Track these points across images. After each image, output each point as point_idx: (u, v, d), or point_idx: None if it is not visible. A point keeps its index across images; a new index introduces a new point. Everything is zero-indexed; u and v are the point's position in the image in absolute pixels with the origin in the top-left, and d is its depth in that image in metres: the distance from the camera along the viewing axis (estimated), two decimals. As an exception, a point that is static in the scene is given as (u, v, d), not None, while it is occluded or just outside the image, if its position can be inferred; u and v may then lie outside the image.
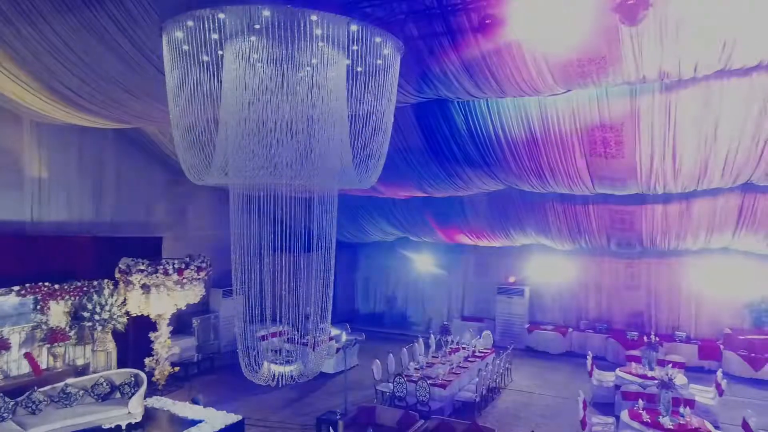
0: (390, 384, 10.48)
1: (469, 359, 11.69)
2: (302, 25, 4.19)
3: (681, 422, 8.15)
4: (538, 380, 12.33)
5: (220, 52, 4.96)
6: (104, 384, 8.89)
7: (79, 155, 11.77)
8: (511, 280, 15.73)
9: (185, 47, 5.00)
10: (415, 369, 10.78)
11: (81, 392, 8.64)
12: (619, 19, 4.72)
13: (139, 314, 10.76)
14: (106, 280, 10.51)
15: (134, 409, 8.54)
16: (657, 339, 11.46)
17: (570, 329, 14.62)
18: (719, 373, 10.33)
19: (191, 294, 11.24)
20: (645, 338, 11.51)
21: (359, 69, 4.81)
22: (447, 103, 8.90)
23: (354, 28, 4.44)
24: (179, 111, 5.47)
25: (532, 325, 15.03)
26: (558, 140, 8.78)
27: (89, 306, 9.87)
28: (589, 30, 5.53)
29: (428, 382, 9.72)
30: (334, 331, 13.09)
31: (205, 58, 5.11)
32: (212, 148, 5.53)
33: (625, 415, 8.56)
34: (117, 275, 10.63)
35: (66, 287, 9.83)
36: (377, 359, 11.02)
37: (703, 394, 9.90)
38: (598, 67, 6.19)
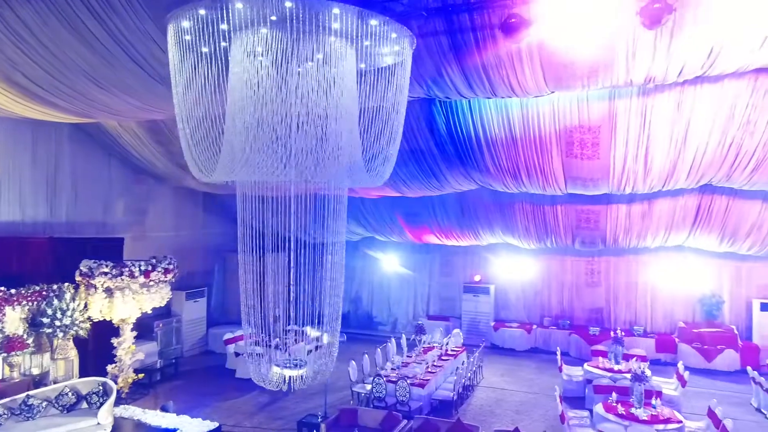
0: (366, 385, 10.41)
1: (443, 358, 11.77)
2: (320, 17, 4.06)
3: (653, 413, 8.51)
4: (508, 377, 12.57)
5: (223, 44, 4.74)
6: (69, 394, 8.38)
7: (32, 151, 11.04)
8: (477, 278, 15.98)
9: (187, 38, 4.75)
10: (392, 369, 10.75)
11: (44, 404, 8.10)
12: (642, 22, 4.85)
13: (101, 319, 10.20)
14: (66, 284, 9.89)
15: (104, 419, 8.09)
16: (623, 334, 11.91)
17: (534, 326, 15.00)
18: (680, 365, 10.86)
19: (158, 297, 10.77)
20: (611, 333, 11.94)
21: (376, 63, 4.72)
22: (429, 102, 8.93)
23: (374, 22, 4.35)
24: (186, 105, 5.19)
25: (497, 322, 15.31)
26: (537, 141, 8.98)
27: (49, 311, 9.26)
28: (589, 33, 5.67)
29: (408, 381, 9.70)
30: (314, 333, 12.86)
31: (205, 50, 4.88)
32: (220, 144, 5.28)
33: (600, 408, 8.84)
34: (78, 278, 10.04)
35: (23, 292, 9.19)
36: (352, 360, 10.92)
37: (666, 385, 10.36)
38: (591, 71, 6.37)
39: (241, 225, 6.39)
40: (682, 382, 10.25)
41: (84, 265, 10.00)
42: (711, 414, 8.57)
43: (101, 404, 8.28)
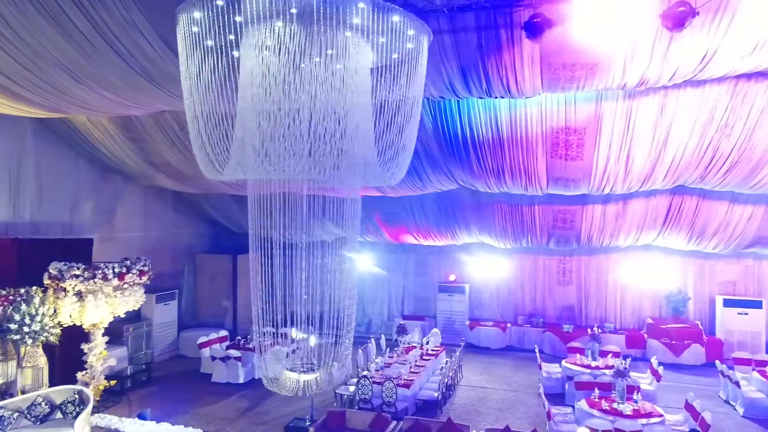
0: (350, 386, 10.30)
1: (424, 357, 11.78)
2: (339, 11, 3.94)
3: (635, 407, 8.75)
4: (486, 375, 12.69)
5: (230, 37, 4.55)
6: (43, 404, 7.93)
7: (-8, 147, 10.41)
8: (452, 278, 16.08)
9: (195, 29, 4.53)
10: (376, 370, 10.67)
11: (15, 414, 7.65)
12: (665, 24, 4.93)
13: (70, 324, 9.70)
14: (34, 288, 9.36)
15: (80, 430, 7.68)
16: (599, 331, 12.21)
17: (509, 324, 15.21)
18: (654, 360, 11.22)
19: (132, 300, 10.33)
20: (588, 330, 12.20)
21: (394, 56, 4.62)
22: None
23: (396, 18, 4.26)
24: (195, 101, 4.95)
25: (472, 321, 15.44)
26: (524, 142, 9.09)
27: (17, 317, 8.73)
28: (594, 35, 5.75)
29: (394, 382, 9.65)
30: (300, 335, 12.61)
31: (209, 43, 4.68)
32: (229, 141, 5.08)
33: (583, 404, 9.01)
34: (47, 281, 9.51)
35: (-12, 296, 8.63)
36: (334, 362, 10.77)
37: (642, 380, 10.68)
38: (588, 73, 6.48)
39: (253, 225, 6.17)
40: (657, 377, 10.58)
41: (53, 268, 9.49)
42: (688, 407, 8.88)
43: (77, 414, 7.87)
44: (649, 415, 8.57)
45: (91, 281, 9.53)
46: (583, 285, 15.12)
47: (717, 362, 11.37)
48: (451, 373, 11.15)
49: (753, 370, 11.08)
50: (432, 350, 12.38)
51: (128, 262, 10.20)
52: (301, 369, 6.57)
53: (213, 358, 12.15)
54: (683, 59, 6.21)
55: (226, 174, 5.16)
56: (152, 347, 13.35)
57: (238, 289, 15.84)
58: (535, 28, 5.23)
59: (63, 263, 9.52)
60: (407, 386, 9.94)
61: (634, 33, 5.66)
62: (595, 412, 8.69)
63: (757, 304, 13.32)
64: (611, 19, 5.54)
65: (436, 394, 10.14)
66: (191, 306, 15.94)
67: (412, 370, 10.80)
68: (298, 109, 4.31)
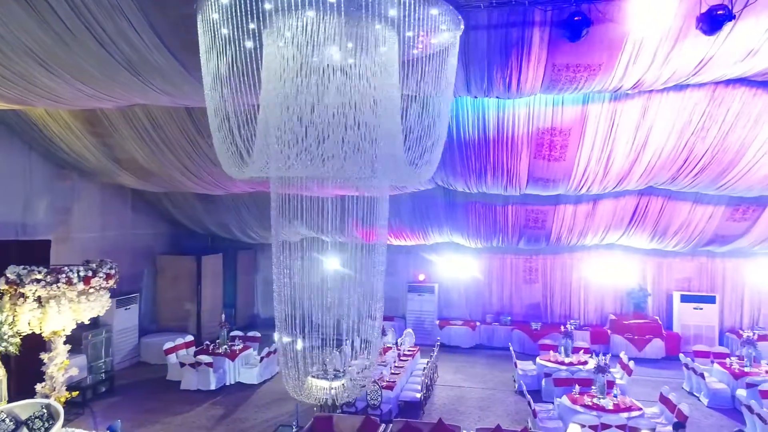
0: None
1: (402, 358, 11.70)
2: (380, 3, 3.77)
3: (615, 402, 9.00)
4: (461, 374, 12.76)
5: (252, 27, 4.26)
6: (7, 420, 7.27)
7: (-64, 140, 9.51)
8: (421, 278, 16.09)
9: (215, 16, 4.22)
10: (357, 372, 10.47)
11: (-24, 434, 6.97)
12: (700, 27, 5.00)
13: (29, 333, 8.97)
14: (-9, 294, 8.60)
15: (52, 447, 7.11)
16: (573, 328, 12.51)
17: (478, 323, 15.37)
18: (623, 355, 11.60)
19: (97, 306, 9.68)
20: (562, 328, 12.47)
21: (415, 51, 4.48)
22: (404, 100, 8.78)
23: (434, 12, 4.13)
24: (219, 95, 4.61)
25: (442, 320, 15.51)
26: (509, 142, 9.16)
27: (-28, 326, 7.99)
28: (603, 36, 5.82)
29: (378, 384, 9.51)
30: (286, 339, 12.20)
31: (248, 43, 4.35)
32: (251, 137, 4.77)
33: (566, 401, 9.18)
34: (3, 287, 8.75)
35: (-61, 304, 7.85)
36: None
37: (615, 375, 11.02)
38: (589, 75, 6.57)
39: (276, 222, 5.86)
40: (628, 371, 10.94)
41: (11, 272, 8.73)
42: (664, 400, 9.22)
43: (47, 430, 7.28)
44: (629, 409, 8.82)
45: (54, 286, 8.86)
46: (549, 283, 15.50)
47: (681, 355, 11.90)
48: (430, 373, 11.13)
49: (712, 362, 11.68)
50: (408, 351, 12.32)
51: (94, 265, 9.56)
52: (330, 376, 6.31)
53: (182, 365, 11.59)
54: (682, 63, 6.41)
55: (253, 171, 4.86)
56: (112, 355, 12.58)
57: (203, 292, 15.22)
58: (574, 27, 5.22)
59: (22, 267, 8.79)
60: (390, 388, 9.84)
61: (643, 33, 5.75)
62: (578, 408, 8.87)
63: (711, 300, 14.08)
64: (634, 18, 5.61)
65: (418, 395, 10.08)
66: (151, 310, 15.18)
67: (393, 371, 10.70)
68: (336, 105, 4.10)
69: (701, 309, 14.06)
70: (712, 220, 11.96)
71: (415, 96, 4.90)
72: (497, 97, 7.72)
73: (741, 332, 13.52)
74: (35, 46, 6.32)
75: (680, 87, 7.87)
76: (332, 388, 6.05)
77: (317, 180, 5.84)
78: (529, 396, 9.28)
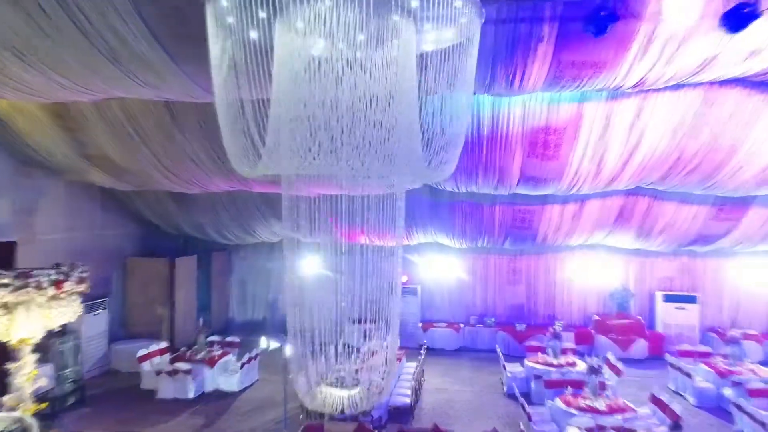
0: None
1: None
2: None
3: (608, 403, 8.90)
4: (448, 377, 12.54)
5: (263, 15, 3.90)
6: (-28, 438, 6.69)
7: None
8: (404, 279, 15.81)
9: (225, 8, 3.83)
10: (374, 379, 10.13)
11: (-64, 453, 6.38)
12: (724, 24, 4.83)
13: (-6, 341, 8.35)
14: (-49, 300, 7.93)
15: (22, 465, 6.57)
16: (560, 329, 12.41)
17: (462, 325, 15.19)
18: (610, 356, 11.57)
19: (69, 312, 9.06)
20: (549, 329, 12.34)
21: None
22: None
23: (458, 4, 3.85)
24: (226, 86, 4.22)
25: (425, 323, 15.28)
26: (503, 141, 8.97)
27: (-69, 335, 7.35)
28: (615, 33, 5.65)
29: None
30: (273, 344, 11.75)
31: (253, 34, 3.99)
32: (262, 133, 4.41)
33: (558, 403, 9.03)
34: (-34, 292, 8.10)
35: None
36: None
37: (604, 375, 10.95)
38: (594, 72, 6.41)
39: (288, 222, 5.49)
40: (617, 372, 10.90)
41: (-26, 276, 8.10)
42: (655, 400, 9.17)
43: (17, 446, 6.72)
44: (623, 410, 8.73)
45: (23, 291, 8.25)
46: (532, 284, 15.43)
47: (667, 355, 11.94)
48: (419, 377, 10.87)
49: (695, 362, 11.74)
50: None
51: (65, 269, 8.96)
52: (346, 384, 5.96)
53: (158, 373, 11.03)
54: (685, 63, 6.31)
55: (267, 168, 4.49)
56: (81, 363, 11.90)
57: (176, 295, 14.59)
58: (600, 22, 5.02)
59: (-13, 271, 8.16)
60: (380, 393, 9.50)
61: (669, 30, 5.62)
62: (572, 410, 8.73)
63: (692, 299, 14.23)
64: (661, 13, 5.46)
65: (408, 400, 9.81)
66: (121, 315, 14.48)
67: (382, 376, 10.37)
68: (352, 99, 3.79)
69: (684, 309, 14.19)
70: (695, 220, 12.04)
71: (434, 91, 4.64)
72: (498, 95, 7.51)
73: (722, 331, 13.70)
74: (13, 35, 5.83)
75: (676, 86, 7.80)
76: (349, 397, 5.72)
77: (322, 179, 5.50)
78: (522, 399, 9.10)
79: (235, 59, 4.14)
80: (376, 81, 3.92)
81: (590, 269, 14.99)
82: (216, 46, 4.35)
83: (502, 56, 6.22)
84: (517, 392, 9.39)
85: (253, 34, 3.99)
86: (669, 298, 14.30)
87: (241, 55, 4.08)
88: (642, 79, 6.75)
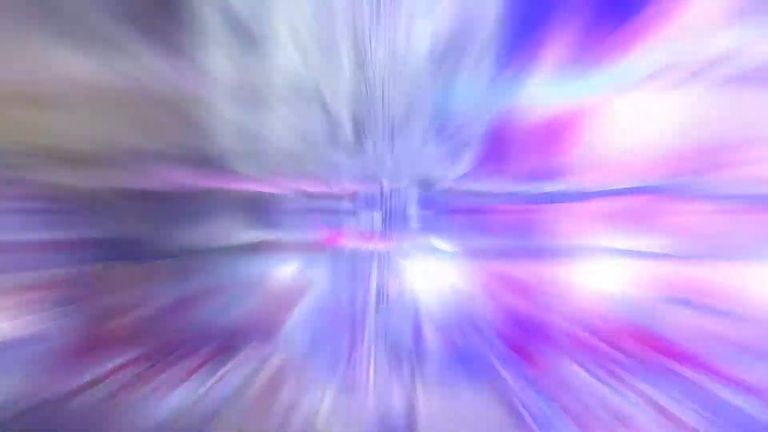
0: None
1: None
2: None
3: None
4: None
5: None
6: None
7: None
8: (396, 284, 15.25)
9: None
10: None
11: None
12: None
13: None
14: None
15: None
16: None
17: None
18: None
19: None
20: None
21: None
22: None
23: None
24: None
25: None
26: (507, 134, 8.43)
27: None
28: (645, 15, 5.14)
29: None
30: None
31: None
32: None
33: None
34: None
35: None
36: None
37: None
38: (612, 59, 5.89)
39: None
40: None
41: None
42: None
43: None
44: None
45: None
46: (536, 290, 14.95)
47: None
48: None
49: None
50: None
51: None
52: None
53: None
54: (707, 53, 5.83)
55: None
56: None
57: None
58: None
59: None
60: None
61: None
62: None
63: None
64: None
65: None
66: None
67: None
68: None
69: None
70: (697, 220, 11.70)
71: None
72: (507, 84, 6.97)
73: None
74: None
75: (686, 80, 7.36)
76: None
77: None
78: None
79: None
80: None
81: (592, 273, 14.59)
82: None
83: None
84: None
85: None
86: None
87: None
88: (657, 69, 6.26)
